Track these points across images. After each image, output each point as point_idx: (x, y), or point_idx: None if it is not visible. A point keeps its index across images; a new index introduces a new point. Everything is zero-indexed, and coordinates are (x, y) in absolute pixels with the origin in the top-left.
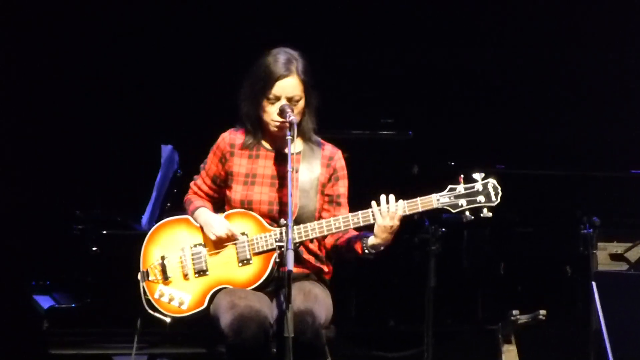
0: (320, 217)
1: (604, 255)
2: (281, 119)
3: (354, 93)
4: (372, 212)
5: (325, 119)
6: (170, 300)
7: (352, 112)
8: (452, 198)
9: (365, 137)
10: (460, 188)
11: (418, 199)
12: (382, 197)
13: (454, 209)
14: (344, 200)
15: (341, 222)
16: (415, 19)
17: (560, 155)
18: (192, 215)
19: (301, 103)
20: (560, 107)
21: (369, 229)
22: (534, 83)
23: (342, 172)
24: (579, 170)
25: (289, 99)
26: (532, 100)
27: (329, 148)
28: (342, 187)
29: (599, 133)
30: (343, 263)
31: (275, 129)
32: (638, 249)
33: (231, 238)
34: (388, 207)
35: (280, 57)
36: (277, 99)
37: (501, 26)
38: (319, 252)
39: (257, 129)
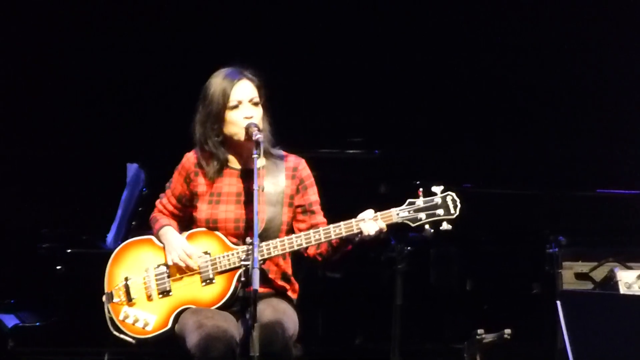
0: (290, 230)
1: (570, 275)
2: (247, 124)
3: (321, 112)
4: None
5: (294, 137)
6: (135, 321)
7: (320, 131)
8: (411, 212)
9: (332, 155)
10: (420, 202)
11: (378, 213)
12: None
13: (413, 223)
14: (317, 207)
15: (303, 238)
16: (381, 40)
17: (526, 174)
18: (156, 234)
19: (261, 108)
20: (527, 126)
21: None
22: (500, 102)
23: (309, 180)
24: (545, 189)
25: (251, 101)
26: (498, 119)
27: (292, 159)
28: (312, 195)
29: (565, 152)
30: (311, 281)
31: (243, 138)
32: (603, 268)
33: (188, 267)
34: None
35: (227, 69)
36: (240, 102)
37: (466, 47)
38: (287, 270)
39: (219, 148)
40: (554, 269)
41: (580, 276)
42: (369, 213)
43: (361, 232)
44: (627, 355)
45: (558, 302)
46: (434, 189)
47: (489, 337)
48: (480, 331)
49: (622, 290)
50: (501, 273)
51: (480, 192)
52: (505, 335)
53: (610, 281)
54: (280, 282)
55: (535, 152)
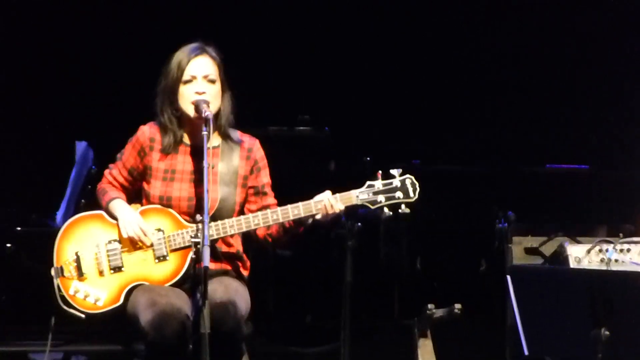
0: (241, 211)
1: (519, 250)
2: (196, 100)
3: (270, 89)
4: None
5: (242, 114)
6: (86, 296)
7: (269, 108)
8: (370, 194)
9: (281, 133)
10: (379, 184)
11: (337, 195)
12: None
13: (372, 205)
14: (268, 189)
15: (260, 218)
16: (329, 16)
17: (475, 150)
18: (106, 206)
19: (217, 86)
20: (476, 102)
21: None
22: (449, 79)
23: (263, 161)
24: (494, 165)
25: (205, 78)
26: (447, 96)
27: (246, 139)
28: (265, 177)
29: (514, 128)
30: (261, 259)
31: (192, 114)
32: (553, 243)
33: (142, 240)
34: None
35: (191, 44)
36: (193, 77)
37: (414, 23)
38: (238, 247)
39: (174, 123)
40: (504, 244)
41: (530, 251)
42: (327, 194)
43: (319, 213)
44: (577, 330)
45: (508, 277)
46: (393, 171)
47: (439, 312)
48: (430, 306)
49: (572, 264)
50: (451, 249)
51: (429, 168)
52: (456, 310)
53: (560, 256)
54: (232, 260)
55: (484, 128)
